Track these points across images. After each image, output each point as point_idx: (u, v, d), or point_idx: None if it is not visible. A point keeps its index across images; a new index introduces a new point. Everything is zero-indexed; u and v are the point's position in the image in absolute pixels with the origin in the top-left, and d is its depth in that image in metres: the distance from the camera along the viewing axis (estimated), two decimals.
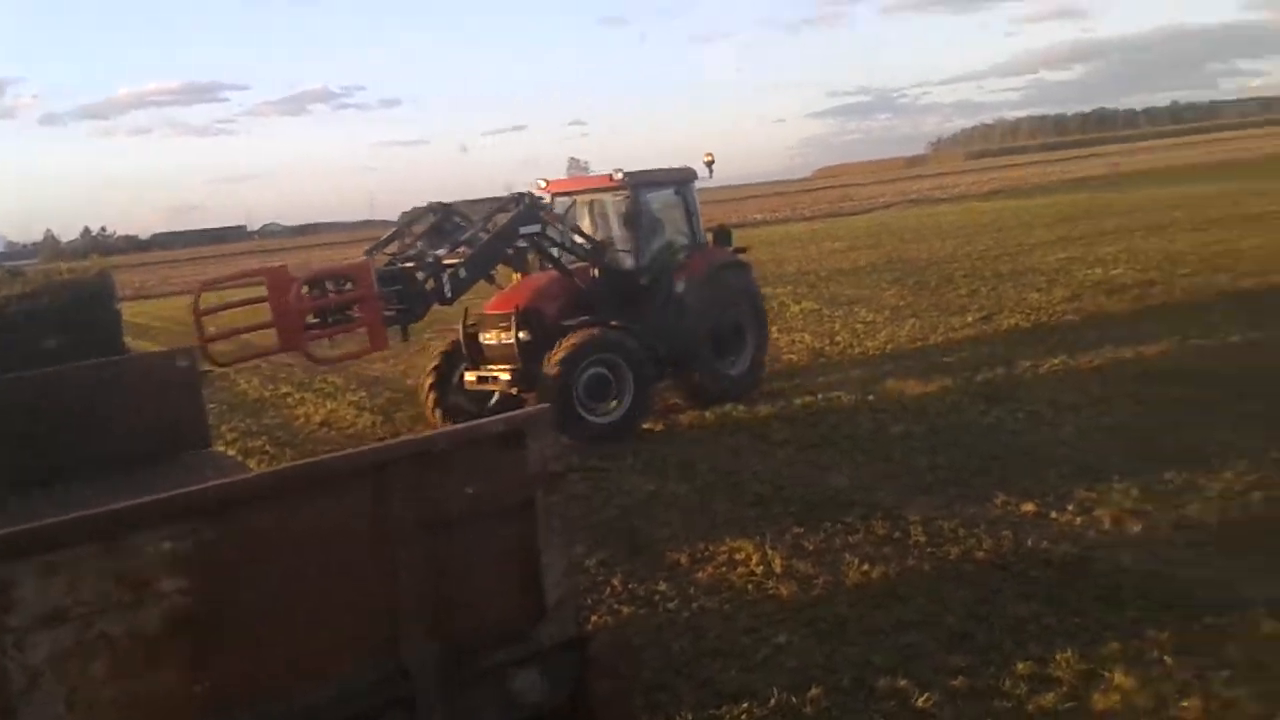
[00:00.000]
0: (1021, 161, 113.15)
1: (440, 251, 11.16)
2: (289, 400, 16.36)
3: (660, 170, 13.08)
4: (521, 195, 11.70)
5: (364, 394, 16.06)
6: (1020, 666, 5.58)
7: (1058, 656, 5.62)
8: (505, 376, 11.66)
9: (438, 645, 3.90)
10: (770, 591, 7.01)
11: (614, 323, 11.88)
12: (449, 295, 10.83)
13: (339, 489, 3.77)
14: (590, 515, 8.99)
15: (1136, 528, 7.39)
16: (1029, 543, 7.30)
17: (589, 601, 7.11)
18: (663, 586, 7.28)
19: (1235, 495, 7.76)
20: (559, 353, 11.24)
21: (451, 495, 3.95)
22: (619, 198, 12.65)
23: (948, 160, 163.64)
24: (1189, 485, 8.04)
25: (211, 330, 10.58)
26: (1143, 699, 5.15)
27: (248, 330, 11.27)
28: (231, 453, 11.52)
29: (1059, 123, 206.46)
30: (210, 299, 11.08)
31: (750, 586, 7.14)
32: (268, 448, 12.83)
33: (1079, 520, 7.66)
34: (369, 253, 11.50)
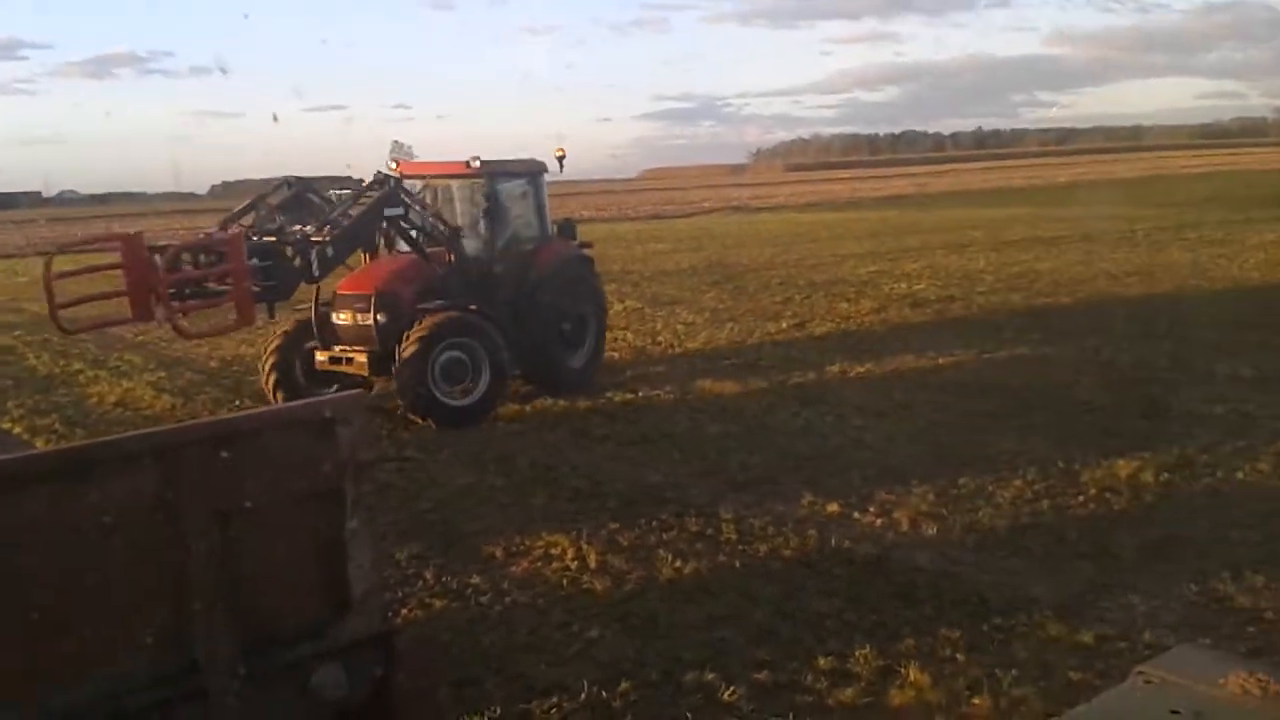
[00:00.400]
0: (836, 176, 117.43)
1: (308, 228, 10.80)
2: (82, 378, 15.37)
3: (514, 161, 13.11)
4: (387, 177, 11.61)
5: (163, 374, 15.23)
6: (822, 661, 5.76)
7: (857, 652, 5.82)
8: (360, 358, 11.55)
9: (232, 637, 3.68)
10: (584, 586, 7.00)
11: (472, 307, 11.83)
12: (317, 274, 10.72)
13: (128, 471, 3.50)
14: (403, 506, 8.77)
15: (932, 530, 7.75)
16: (833, 541, 7.56)
17: (399, 595, 6.93)
18: (476, 580, 7.17)
19: (1025, 502, 8.24)
20: (418, 333, 11.20)
21: (251, 481, 3.73)
22: (473, 185, 12.68)
23: (767, 171, 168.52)
24: (981, 491, 8.50)
25: (61, 297, 10.22)
26: (936, 695, 5.38)
27: (101, 298, 10.86)
28: (17, 431, 10.81)
29: (871, 141, 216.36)
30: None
31: (564, 581, 7.11)
32: (57, 426, 12.09)
33: (879, 521, 7.98)
34: (225, 224, 11.07)
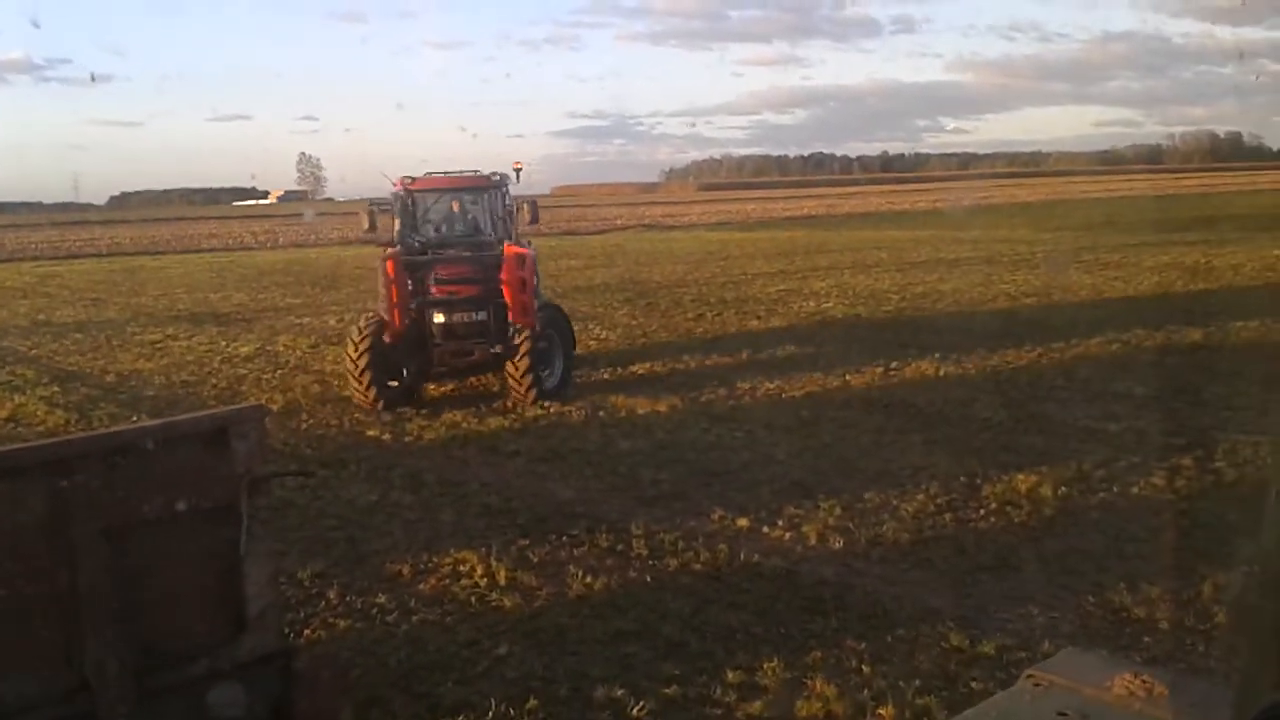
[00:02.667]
0: (747, 196, 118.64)
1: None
2: None
3: (505, 175, 14.62)
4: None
5: (57, 389, 14.69)
6: (730, 675, 5.78)
7: (765, 665, 5.86)
8: (482, 350, 13.08)
9: (123, 656, 3.55)
10: (493, 603, 6.93)
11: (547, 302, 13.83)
12: None
13: (13, 485, 3.36)
14: (306, 523, 8.59)
15: (839, 544, 7.85)
16: (742, 556, 7.62)
17: (302, 614, 6.77)
18: (381, 599, 7.04)
19: (928, 515, 8.40)
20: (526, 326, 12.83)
21: (143, 496, 3.62)
22: (492, 195, 14.22)
23: (680, 190, 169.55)
24: (886, 505, 8.64)
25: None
26: (842, 706, 5.44)
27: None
28: None
29: (781, 162, 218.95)
30: None
31: (473, 598, 7.03)
32: None
33: (788, 535, 8.06)
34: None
